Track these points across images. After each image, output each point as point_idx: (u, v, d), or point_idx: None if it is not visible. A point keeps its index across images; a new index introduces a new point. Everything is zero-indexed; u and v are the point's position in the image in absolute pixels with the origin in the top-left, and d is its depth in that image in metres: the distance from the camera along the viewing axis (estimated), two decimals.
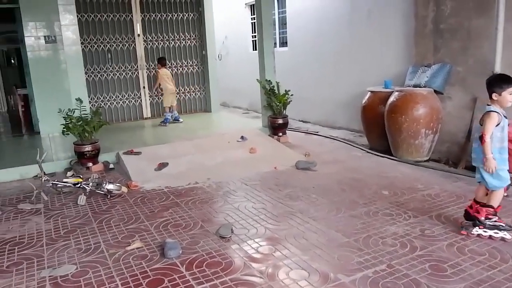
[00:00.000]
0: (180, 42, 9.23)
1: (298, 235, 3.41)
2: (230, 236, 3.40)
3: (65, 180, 4.65)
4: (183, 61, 9.31)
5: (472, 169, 5.05)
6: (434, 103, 5.36)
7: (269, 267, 2.92)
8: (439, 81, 5.44)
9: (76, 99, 5.70)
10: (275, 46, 7.72)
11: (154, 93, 8.96)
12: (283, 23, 9.37)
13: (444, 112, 5.50)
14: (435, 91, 5.43)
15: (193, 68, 9.44)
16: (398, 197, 4.18)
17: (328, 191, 4.43)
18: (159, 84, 8.13)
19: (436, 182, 4.58)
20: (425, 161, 5.44)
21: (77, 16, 6.84)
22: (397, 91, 5.56)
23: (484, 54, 5.11)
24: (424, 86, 5.49)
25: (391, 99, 5.53)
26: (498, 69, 4.92)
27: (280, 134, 6.88)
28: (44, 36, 7.50)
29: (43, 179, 4.54)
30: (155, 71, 8.52)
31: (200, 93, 9.58)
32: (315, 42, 8.17)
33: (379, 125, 5.76)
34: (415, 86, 5.62)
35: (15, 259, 3.22)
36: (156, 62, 8.42)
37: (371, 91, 6.11)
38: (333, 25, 7.69)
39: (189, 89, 9.45)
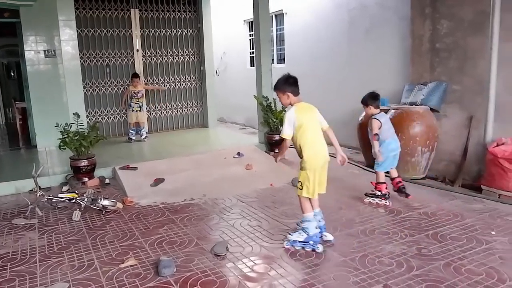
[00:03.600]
0: (178, 58, 9.29)
1: (294, 254, 3.38)
2: (225, 254, 3.37)
3: (60, 195, 4.62)
4: (181, 76, 9.36)
5: (469, 187, 5.08)
6: (431, 121, 5.39)
7: (264, 287, 2.88)
8: (436, 99, 5.48)
9: (73, 113, 5.71)
10: (272, 63, 7.78)
11: (152, 108, 8.99)
12: (281, 39, 9.47)
13: (441, 130, 5.53)
14: (431, 109, 5.48)
15: (191, 84, 9.48)
16: (394, 215, 4.16)
17: (325, 208, 4.36)
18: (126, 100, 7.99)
19: (432, 200, 4.57)
20: (421, 178, 5.45)
21: (77, 31, 6.91)
22: (393, 108, 5.60)
23: (479, 73, 5.17)
24: (421, 104, 5.53)
25: (388, 116, 5.55)
26: (493, 88, 4.97)
27: (277, 150, 6.87)
28: (44, 51, 7.55)
29: (38, 194, 4.51)
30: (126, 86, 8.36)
31: (197, 109, 9.61)
32: (313, 59, 8.25)
33: None
34: (411, 104, 5.66)
35: (7, 276, 3.17)
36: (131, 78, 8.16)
37: None
38: (331, 43, 7.77)
39: (187, 104, 9.48)
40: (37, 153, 7.30)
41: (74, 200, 4.48)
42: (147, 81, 8.94)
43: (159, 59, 9.06)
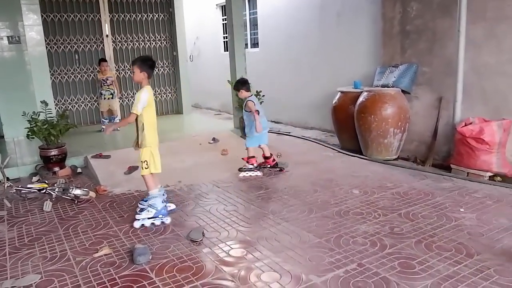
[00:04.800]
0: (150, 43, 9.09)
1: (270, 237, 3.40)
2: (201, 240, 3.36)
3: (29, 185, 4.49)
4: None
5: (439, 166, 5.22)
6: (402, 103, 5.48)
7: (241, 270, 2.90)
8: (406, 81, 5.57)
9: (41, 101, 5.52)
10: (246, 47, 7.72)
11: (124, 95, 8.79)
12: (254, 24, 9.38)
13: (412, 111, 5.63)
14: (402, 91, 5.56)
15: (164, 70, 9.31)
16: (368, 196, 4.24)
17: (300, 191, 4.45)
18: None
19: (404, 180, 4.67)
20: (394, 159, 5.57)
21: (42, 16, 6.65)
22: (366, 91, 5.66)
23: (448, 54, 5.27)
24: (392, 86, 5.61)
25: (360, 99, 5.62)
26: (461, 69, 5.08)
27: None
28: (8, 37, 7.18)
29: (6, 185, 4.37)
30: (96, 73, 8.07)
31: (171, 95, 9.47)
32: (287, 43, 8.22)
33: (350, 125, 5.85)
34: (383, 86, 5.74)
35: None
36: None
37: (341, 92, 6.19)
38: (304, 27, 7.75)
39: (160, 90, 9.32)
40: (4, 144, 7.03)
41: (45, 190, 4.36)
42: (118, 67, 8.72)
43: (129, 44, 8.84)
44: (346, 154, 5.95)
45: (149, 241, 3.39)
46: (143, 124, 3.73)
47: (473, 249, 3.04)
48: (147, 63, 3.76)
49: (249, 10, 9.41)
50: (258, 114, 4.88)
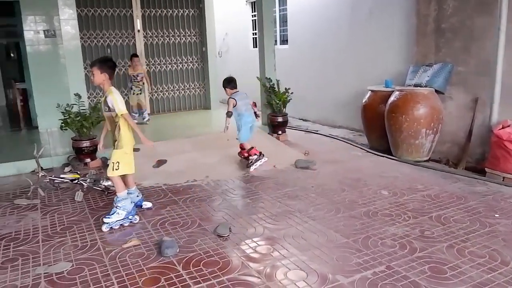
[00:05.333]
0: (180, 39, 9.18)
1: (297, 235, 3.38)
2: (228, 235, 3.37)
3: (62, 175, 4.62)
4: (183, 57, 9.26)
5: (473, 170, 5.05)
6: (435, 103, 5.33)
7: (267, 267, 2.89)
8: (440, 81, 5.40)
9: (74, 94, 5.65)
10: (275, 44, 7.67)
11: (154, 89, 8.92)
12: (284, 20, 9.32)
13: (445, 112, 5.46)
14: (436, 91, 5.40)
15: (193, 65, 9.39)
16: (397, 197, 4.15)
17: (328, 190, 4.40)
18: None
19: (436, 183, 4.55)
20: (425, 161, 5.42)
21: (77, 10, 6.80)
22: (397, 90, 5.53)
23: (486, 54, 5.07)
24: (425, 86, 5.45)
25: (392, 98, 5.50)
26: (500, 69, 4.89)
27: (280, 132, 6.85)
28: (44, 31, 7.42)
29: (40, 175, 4.51)
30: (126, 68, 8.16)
31: (199, 90, 9.54)
32: (316, 40, 8.13)
33: (379, 125, 5.73)
34: (416, 85, 5.59)
35: (11, 255, 3.18)
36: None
37: (372, 90, 6.08)
38: (334, 24, 7.65)
39: (189, 86, 9.40)
40: (38, 134, 7.27)
41: (77, 180, 4.49)
42: (148, 62, 8.84)
43: (160, 39, 8.95)
44: (375, 154, 5.84)
45: (177, 235, 3.42)
46: (118, 124, 3.65)
47: (509, 257, 2.93)
48: (107, 64, 3.67)
49: (279, 6, 9.36)
50: (229, 116, 5.10)
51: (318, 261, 2.94)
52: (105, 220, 3.60)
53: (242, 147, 5.35)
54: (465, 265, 2.83)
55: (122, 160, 3.67)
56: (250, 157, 5.20)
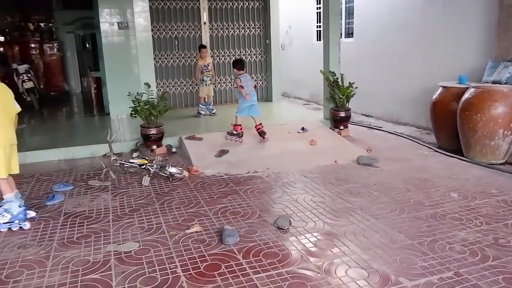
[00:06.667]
0: (244, 31, 9.25)
1: (358, 232, 3.29)
2: (288, 228, 3.37)
3: (131, 160, 4.86)
4: (247, 49, 9.33)
5: None
6: None
7: (326, 263, 2.85)
8: None
9: (144, 83, 5.91)
10: (340, 37, 7.49)
11: (217, 80, 9.09)
12: (349, 13, 9.06)
13: None
14: None
15: (256, 57, 9.44)
16: (468, 201, 3.90)
17: (391, 189, 4.24)
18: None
19: None
20: (500, 164, 5.03)
21: (149, 3, 7.07)
22: (473, 87, 5.17)
23: None
24: (506, 83, 5.05)
25: (466, 95, 5.15)
26: None
27: (342, 127, 6.70)
28: (118, 23, 7.85)
29: (112, 158, 4.77)
30: (196, 59, 8.15)
31: (262, 82, 9.58)
32: (383, 33, 7.83)
33: (450, 123, 5.41)
34: (494, 82, 5.20)
35: (84, 232, 3.42)
36: (198, 51, 8.09)
37: (443, 87, 5.74)
38: (403, 16, 7.30)
39: (251, 77, 9.44)
40: (109, 120, 7.72)
41: (144, 166, 4.69)
42: (213, 53, 9.02)
43: (225, 31, 9.09)
44: (444, 153, 5.53)
45: (237, 224, 3.48)
46: None
47: None
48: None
49: None
50: (243, 87, 5.76)
51: (380, 261, 2.85)
52: None
53: (256, 124, 5.99)
54: None
55: (1, 160, 3.43)
56: (233, 131, 5.90)
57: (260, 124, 5.98)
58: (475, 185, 4.31)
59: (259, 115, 6.03)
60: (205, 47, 8.05)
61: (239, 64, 5.92)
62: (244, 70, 6.02)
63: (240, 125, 5.91)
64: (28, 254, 3.07)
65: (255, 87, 6.14)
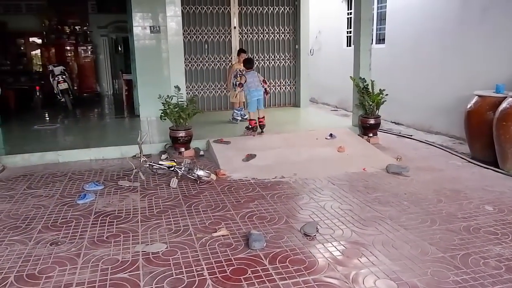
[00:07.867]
0: (274, 36, 9.27)
1: (387, 242, 3.22)
2: (315, 235, 3.33)
3: (160, 162, 4.92)
4: (276, 54, 9.34)
5: None
6: None
7: (354, 272, 2.79)
8: None
9: (174, 86, 6.00)
10: (371, 43, 7.38)
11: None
12: (381, 18, 8.93)
13: None
14: None
15: (285, 62, 9.43)
16: (504, 214, 3.75)
17: (422, 199, 4.13)
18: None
19: None
20: None
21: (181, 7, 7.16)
22: (511, 97, 4.99)
23: None
24: None
25: (504, 105, 4.98)
26: None
27: (371, 134, 6.59)
28: (150, 26, 8.03)
29: (141, 160, 4.85)
30: (231, 63, 8.10)
31: (290, 88, 9.55)
32: (417, 39, 7.67)
33: (486, 133, 5.23)
34: None
35: (114, 231, 3.48)
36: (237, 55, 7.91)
37: (479, 96, 5.56)
38: (438, 22, 7.13)
39: (280, 82, 9.46)
40: (139, 122, 7.87)
41: (173, 168, 4.75)
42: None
43: (255, 36, 9.13)
44: (478, 165, 5.35)
45: (264, 229, 3.46)
46: None
47: None
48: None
49: (378, 3, 8.99)
50: (241, 87, 6.43)
51: (410, 273, 2.77)
52: None
53: (259, 117, 6.44)
54: None
55: None
56: (249, 125, 6.46)
57: (263, 117, 6.45)
58: (511, 199, 4.14)
59: (263, 108, 6.57)
60: (244, 51, 7.88)
61: (248, 64, 6.59)
62: (253, 68, 6.63)
63: (254, 119, 6.40)
64: (60, 251, 3.15)
65: (264, 81, 6.50)
